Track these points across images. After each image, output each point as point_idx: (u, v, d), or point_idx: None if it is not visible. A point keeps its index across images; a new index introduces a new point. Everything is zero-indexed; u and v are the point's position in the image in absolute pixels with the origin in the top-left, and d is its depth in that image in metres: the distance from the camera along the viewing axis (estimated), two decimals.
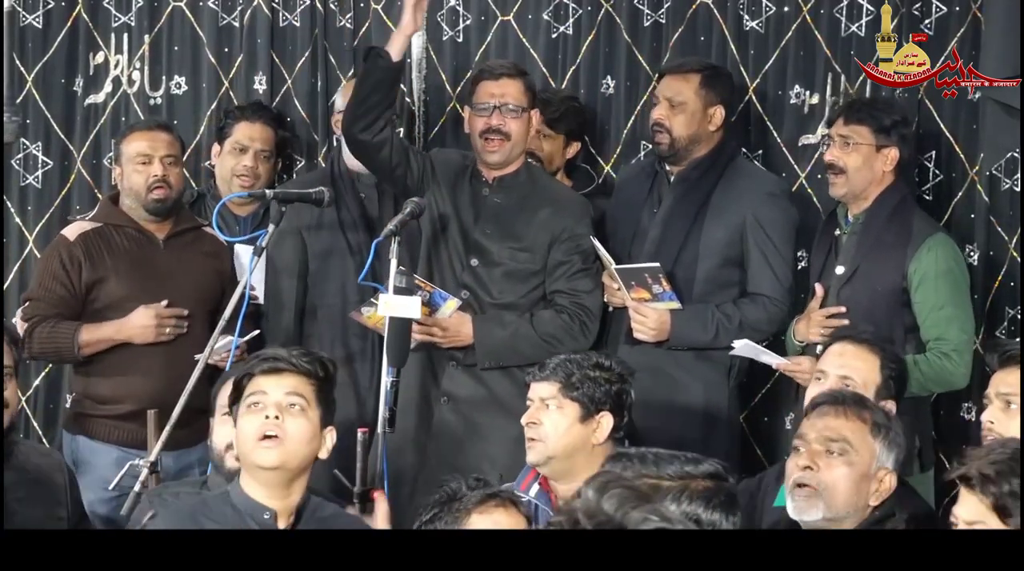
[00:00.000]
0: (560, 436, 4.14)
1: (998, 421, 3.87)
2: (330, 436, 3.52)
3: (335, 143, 5.44)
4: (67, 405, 5.50)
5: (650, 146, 5.25)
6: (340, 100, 5.34)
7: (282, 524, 3.46)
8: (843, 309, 4.81)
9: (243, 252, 5.14)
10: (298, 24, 5.74)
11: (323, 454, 3.51)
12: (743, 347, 4.81)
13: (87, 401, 5.03)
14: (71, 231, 5.06)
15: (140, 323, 4.94)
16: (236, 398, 3.55)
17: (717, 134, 5.03)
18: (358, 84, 4.87)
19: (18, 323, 5.00)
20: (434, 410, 4.88)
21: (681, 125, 4.96)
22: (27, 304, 5.01)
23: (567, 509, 2.12)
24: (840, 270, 4.87)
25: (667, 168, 5.06)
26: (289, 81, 5.74)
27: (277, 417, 3.45)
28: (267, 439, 3.44)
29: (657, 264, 4.80)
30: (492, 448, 4.79)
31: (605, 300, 4.95)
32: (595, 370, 4.19)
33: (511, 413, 4.56)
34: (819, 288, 4.89)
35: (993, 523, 3.03)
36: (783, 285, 4.94)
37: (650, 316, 4.83)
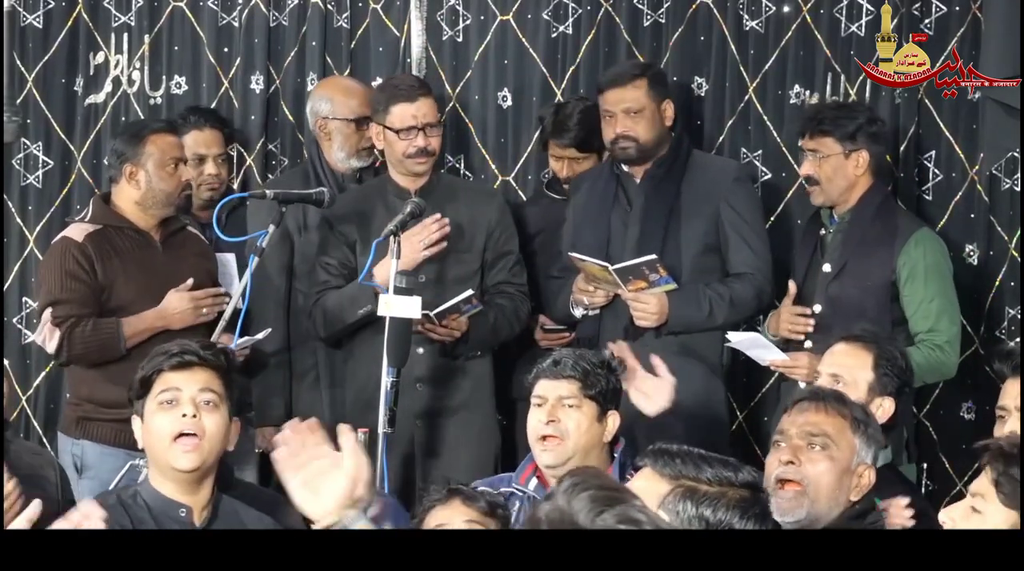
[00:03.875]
0: (582, 435, 4.10)
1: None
2: (235, 428, 3.49)
3: (313, 143, 5.43)
4: (65, 408, 5.44)
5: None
6: (325, 105, 5.29)
7: (198, 519, 3.43)
8: (814, 309, 4.87)
9: (228, 257, 5.14)
10: (287, 23, 5.74)
11: (230, 447, 3.49)
12: (742, 340, 4.84)
13: (90, 405, 4.94)
14: (75, 233, 4.92)
15: (177, 308, 4.90)
16: (142, 394, 3.47)
17: (671, 129, 5.10)
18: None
19: (46, 329, 4.90)
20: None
21: (645, 130, 5.03)
22: (52, 309, 4.87)
23: (533, 519, 2.10)
24: (827, 268, 4.92)
25: (626, 170, 5.11)
26: (278, 81, 5.74)
27: (195, 415, 3.40)
28: (184, 438, 3.39)
29: (654, 256, 4.85)
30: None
31: (587, 301, 4.99)
32: (603, 369, 4.18)
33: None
34: (792, 285, 4.97)
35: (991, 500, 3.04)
36: (763, 261, 5.03)
37: (651, 301, 4.90)
